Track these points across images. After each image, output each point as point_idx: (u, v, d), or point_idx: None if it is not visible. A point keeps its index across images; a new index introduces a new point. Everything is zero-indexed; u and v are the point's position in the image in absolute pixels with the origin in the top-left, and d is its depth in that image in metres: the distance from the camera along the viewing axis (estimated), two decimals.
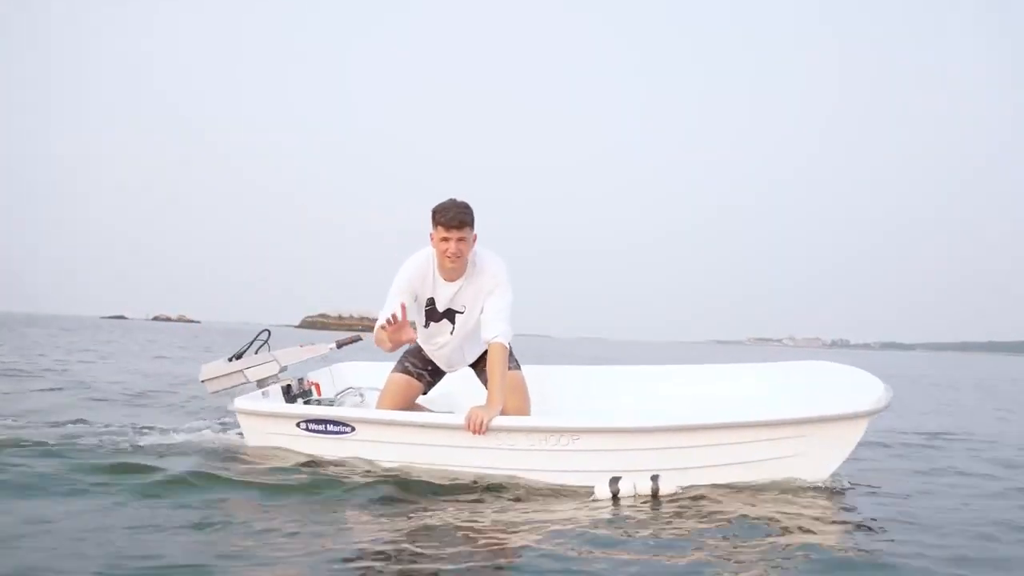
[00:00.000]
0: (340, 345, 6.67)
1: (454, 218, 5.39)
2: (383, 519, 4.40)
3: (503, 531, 4.22)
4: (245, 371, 6.34)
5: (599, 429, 5.14)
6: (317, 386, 6.50)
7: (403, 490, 4.94)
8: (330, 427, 5.64)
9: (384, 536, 4.10)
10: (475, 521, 4.40)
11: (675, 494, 4.83)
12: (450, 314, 5.73)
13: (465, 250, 5.49)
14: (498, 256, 5.67)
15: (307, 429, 5.68)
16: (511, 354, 5.64)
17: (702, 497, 4.85)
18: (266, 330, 6.51)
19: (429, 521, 4.37)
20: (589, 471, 5.06)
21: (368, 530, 4.22)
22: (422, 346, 5.98)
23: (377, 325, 5.39)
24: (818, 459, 5.07)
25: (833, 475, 5.15)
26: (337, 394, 6.44)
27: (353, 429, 5.58)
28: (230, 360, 6.34)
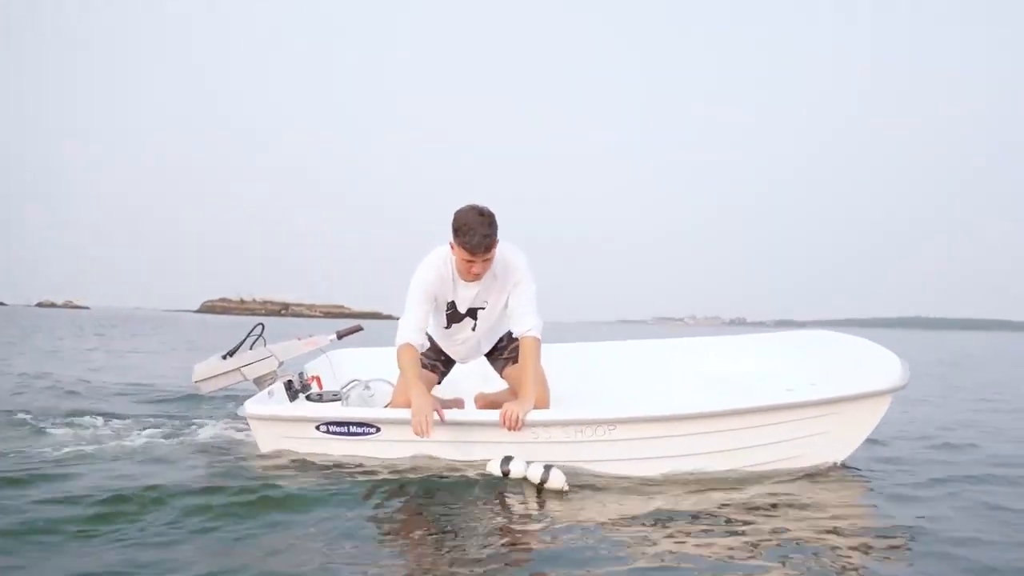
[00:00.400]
0: (341, 336, 6.46)
1: (479, 244, 5.09)
2: (413, 520, 4.29)
3: (534, 528, 4.15)
4: (242, 369, 6.07)
5: (637, 419, 5.02)
6: (318, 379, 6.25)
7: (432, 490, 4.76)
8: (353, 428, 5.35)
9: (416, 537, 4.02)
10: (506, 519, 4.30)
11: (562, 490, 4.70)
12: (472, 312, 5.55)
13: (489, 266, 5.26)
14: (516, 247, 5.43)
15: (328, 432, 5.37)
16: None
17: (714, 486, 4.85)
18: (260, 324, 6.19)
19: (460, 522, 4.24)
20: (627, 459, 5.02)
21: (397, 533, 4.11)
22: (439, 343, 5.81)
23: (404, 325, 5.22)
24: (840, 438, 5.11)
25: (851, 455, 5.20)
26: (342, 388, 6.10)
27: (378, 430, 5.32)
28: (224, 358, 6.02)
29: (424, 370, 5.76)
